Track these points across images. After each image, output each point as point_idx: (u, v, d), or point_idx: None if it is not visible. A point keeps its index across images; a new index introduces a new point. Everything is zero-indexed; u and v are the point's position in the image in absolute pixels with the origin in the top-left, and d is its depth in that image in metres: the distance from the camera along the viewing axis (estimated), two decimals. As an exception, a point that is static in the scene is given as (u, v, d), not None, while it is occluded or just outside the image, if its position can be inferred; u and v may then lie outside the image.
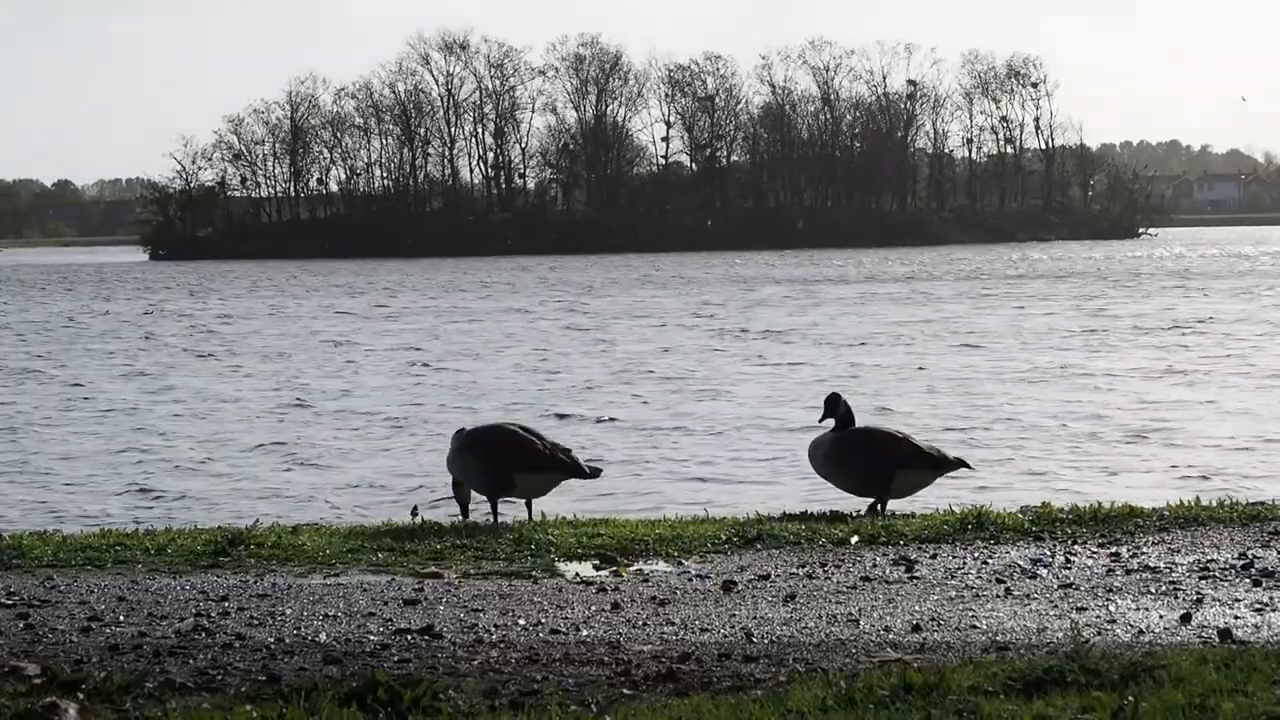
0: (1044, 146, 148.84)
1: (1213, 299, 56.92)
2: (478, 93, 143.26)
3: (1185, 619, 8.50)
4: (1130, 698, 6.51)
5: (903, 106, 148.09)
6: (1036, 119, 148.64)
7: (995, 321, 48.32)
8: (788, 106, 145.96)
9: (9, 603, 9.11)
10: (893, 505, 12.25)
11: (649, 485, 19.52)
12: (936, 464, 11.99)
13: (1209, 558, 10.07)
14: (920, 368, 34.58)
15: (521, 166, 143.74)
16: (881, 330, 45.93)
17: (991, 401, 27.91)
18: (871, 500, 12.07)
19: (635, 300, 64.39)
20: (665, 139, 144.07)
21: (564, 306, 60.93)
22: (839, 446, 11.95)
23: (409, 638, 8.22)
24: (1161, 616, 8.59)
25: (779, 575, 9.77)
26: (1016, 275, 78.96)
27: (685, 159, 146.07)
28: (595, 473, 11.73)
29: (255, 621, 8.61)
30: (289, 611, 8.82)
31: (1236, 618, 8.52)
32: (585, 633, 8.34)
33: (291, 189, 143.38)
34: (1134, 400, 27.57)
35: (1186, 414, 25.57)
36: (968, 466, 12.46)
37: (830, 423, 12.13)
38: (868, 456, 11.87)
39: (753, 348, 40.94)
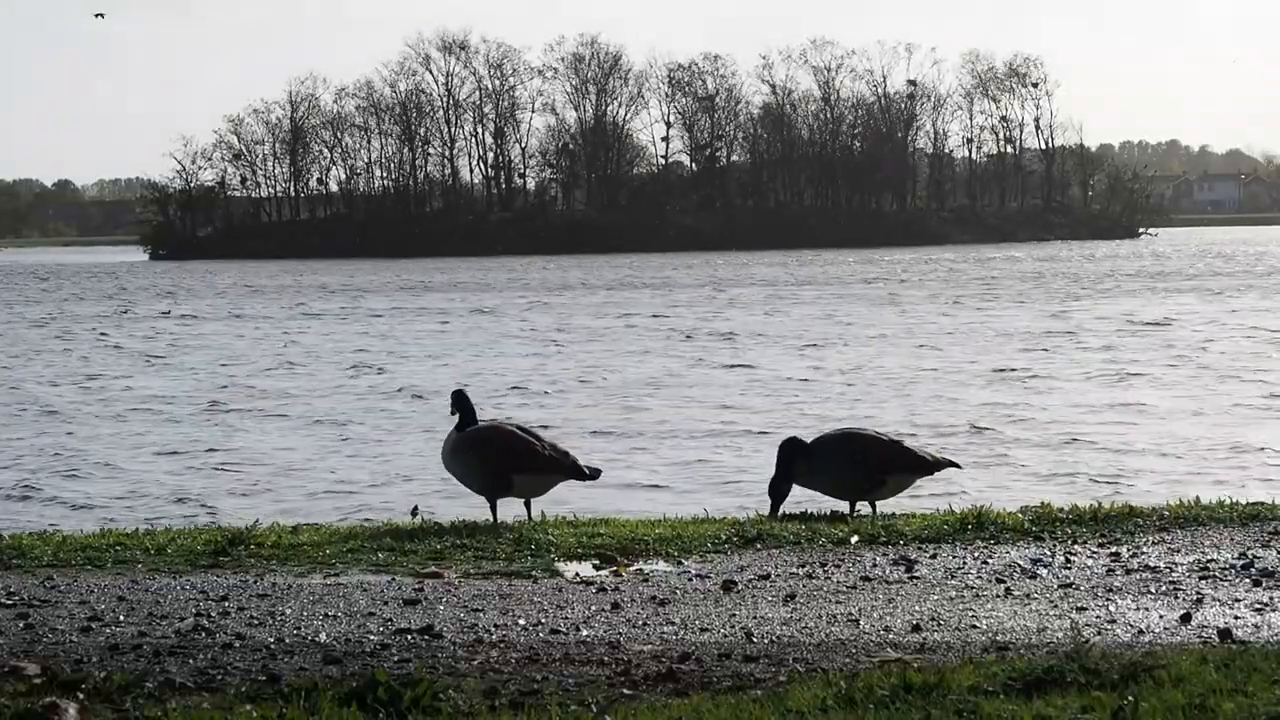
0: (1044, 146, 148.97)
1: (1183, 300, 57.20)
2: (477, 93, 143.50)
3: (1185, 619, 8.50)
4: (1130, 698, 6.51)
5: (903, 106, 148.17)
6: (1036, 119, 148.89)
7: (952, 323, 48.44)
8: (788, 106, 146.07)
9: (9, 603, 9.10)
10: (894, 505, 12.25)
11: (633, 487, 19.57)
12: (926, 466, 11.97)
13: (1209, 558, 10.07)
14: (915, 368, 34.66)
15: (521, 166, 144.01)
16: (842, 332, 46.13)
17: (937, 403, 27.99)
18: (850, 501, 12.05)
19: (604, 301, 64.58)
20: (665, 139, 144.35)
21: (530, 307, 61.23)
22: (822, 452, 11.91)
23: (409, 638, 8.22)
24: (1161, 616, 8.59)
25: (779, 575, 9.77)
26: (992, 276, 79.16)
27: (685, 159, 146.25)
28: (594, 474, 11.71)
29: (255, 621, 8.61)
30: (289, 611, 8.82)
31: (1236, 618, 8.52)
32: (585, 633, 8.34)
33: (291, 189, 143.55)
34: (1068, 404, 27.60)
35: (1115, 417, 25.74)
36: (956, 466, 12.45)
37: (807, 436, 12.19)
38: (850, 460, 11.84)
39: (712, 349, 41.18)
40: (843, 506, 12.03)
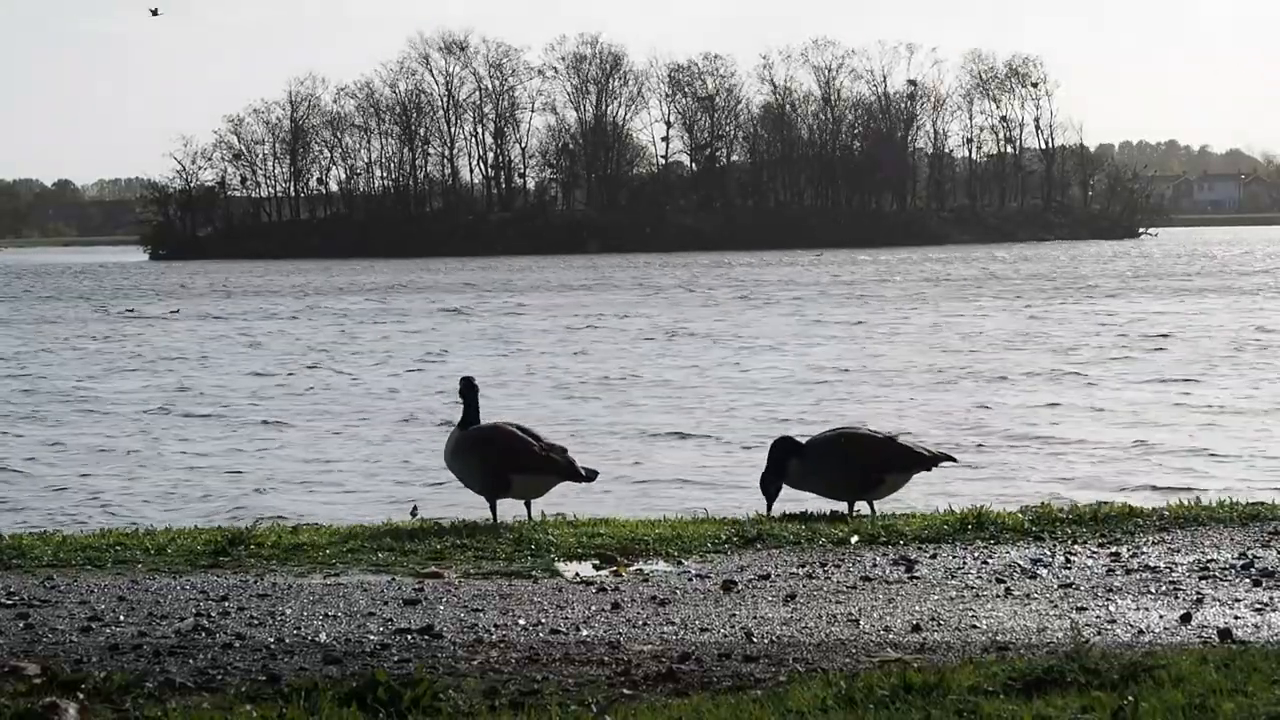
0: (1044, 146, 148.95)
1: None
2: (477, 93, 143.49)
3: (1185, 619, 8.50)
4: (1130, 698, 6.50)
5: (903, 106, 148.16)
6: (1036, 119, 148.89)
7: (923, 322, 48.40)
8: (788, 106, 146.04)
9: (9, 603, 9.11)
10: (894, 506, 12.24)
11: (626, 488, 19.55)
12: (924, 462, 11.96)
13: (1209, 558, 10.07)
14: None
15: (521, 166, 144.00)
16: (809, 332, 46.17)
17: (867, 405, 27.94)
18: (849, 502, 12.02)
19: (582, 301, 64.62)
20: (665, 139, 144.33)
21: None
22: (816, 453, 11.87)
23: (409, 638, 8.22)
24: (1161, 616, 8.59)
25: (779, 575, 9.77)
26: (975, 276, 79.13)
27: (685, 159, 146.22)
28: (591, 476, 11.71)
29: (255, 621, 8.61)
30: (289, 611, 8.82)
31: (1236, 618, 8.52)
32: (585, 633, 8.34)
33: (291, 189, 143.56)
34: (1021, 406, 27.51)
35: (1069, 417, 25.71)
36: (953, 460, 12.41)
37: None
38: (845, 460, 11.80)
39: (675, 349, 41.17)
40: (842, 506, 12.01)
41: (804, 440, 12.05)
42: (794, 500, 12.24)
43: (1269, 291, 61.03)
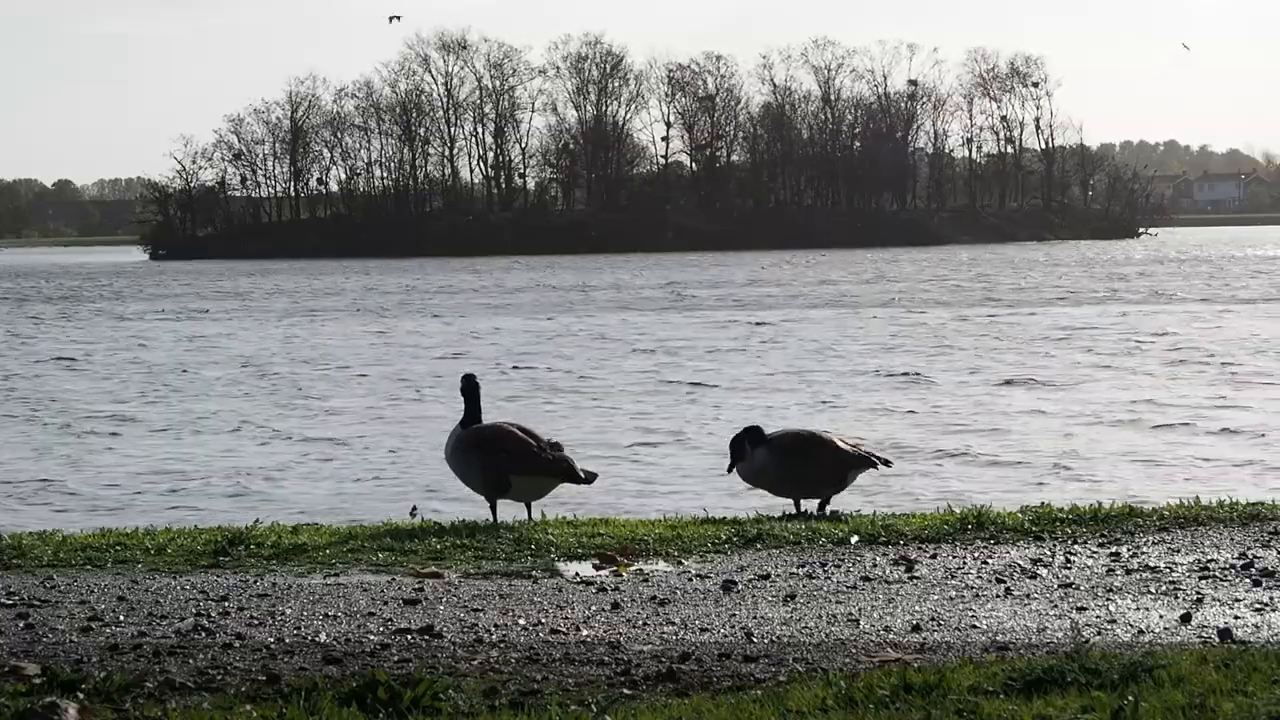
0: (1044, 146, 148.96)
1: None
2: (477, 92, 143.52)
3: (1185, 619, 8.50)
4: (1130, 698, 6.50)
5: (903, 106, 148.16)
6: (1037, 119, 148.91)
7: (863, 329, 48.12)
8: (788, 106, 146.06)
9: (9, 603, 9.10)
10: (894, 505, 12.26)
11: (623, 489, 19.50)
12: (874, 463, 12.08)
13: (1209, 558, 10.07)
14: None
15: (521, 166, 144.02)
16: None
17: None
18: (816, 499, 12.09)
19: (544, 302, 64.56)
20: (665, 139, 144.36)
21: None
22: (780, 451, 11.90)
23: (409, 638, 8.21)
24: (1161, 616, 8.59)
25: (779, 575, 9.77)
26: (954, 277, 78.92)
27: (685, 159, 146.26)
28: (591, 478, 11.70)
29: (255, 621, 8.60)
30: (289, 611, 8.82)
31: (1236, 618, 8.52)
32: (585, 633, 8.33)
33: (291, 189, 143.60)
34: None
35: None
36: (889, 464, 12.51)
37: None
38: (806, 459, 11.85)
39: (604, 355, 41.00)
40: (843, 506, 12.05)
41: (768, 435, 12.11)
42: (791, 501, 12.23)
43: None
